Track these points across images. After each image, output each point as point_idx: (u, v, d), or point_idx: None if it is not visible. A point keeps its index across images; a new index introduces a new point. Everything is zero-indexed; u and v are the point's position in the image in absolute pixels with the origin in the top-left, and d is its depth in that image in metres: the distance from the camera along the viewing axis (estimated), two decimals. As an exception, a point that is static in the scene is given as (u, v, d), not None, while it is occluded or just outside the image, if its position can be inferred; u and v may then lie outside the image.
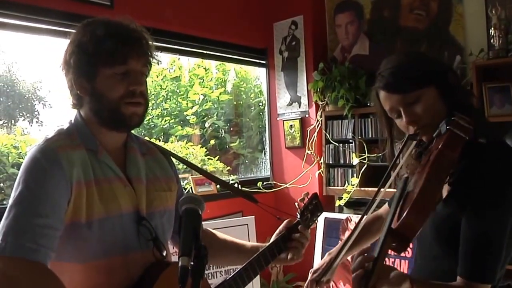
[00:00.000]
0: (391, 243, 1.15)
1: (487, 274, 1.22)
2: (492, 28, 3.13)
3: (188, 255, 1.05)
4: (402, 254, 3.07)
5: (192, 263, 1.05)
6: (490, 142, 1.28)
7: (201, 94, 4.65)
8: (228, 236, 1.81)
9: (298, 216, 1.76)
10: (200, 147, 4.15)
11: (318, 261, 3.68)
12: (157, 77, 4.71)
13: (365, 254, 1.17)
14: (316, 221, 1.85)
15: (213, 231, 1.81)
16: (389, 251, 1.22)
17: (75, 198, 1.30)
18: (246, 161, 4.66)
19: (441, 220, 1.34)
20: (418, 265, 1.56)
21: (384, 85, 1.38)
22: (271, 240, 1.72)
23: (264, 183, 4.14)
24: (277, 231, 1.75)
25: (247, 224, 3.42)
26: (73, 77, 1.38)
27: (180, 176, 3.73)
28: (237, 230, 3.35)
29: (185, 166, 3.47)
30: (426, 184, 1.13)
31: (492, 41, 3.15)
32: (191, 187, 3.56)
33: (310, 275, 1.77)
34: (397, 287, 1.15)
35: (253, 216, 3.43)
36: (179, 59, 4.55)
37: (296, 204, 1.80)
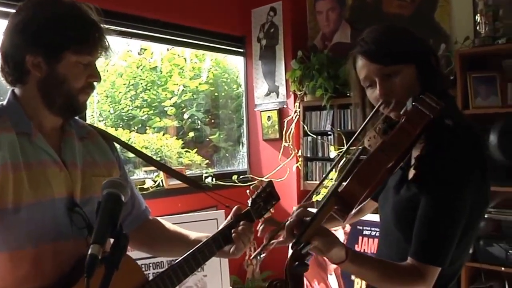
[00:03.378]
0: (333, 205, 1.13)
1: (438, 256, 1.19)
2: (479, 15, 3.01)
3: (100, 243, 0.98)
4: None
5: (107, 252, 0.99)
6: (457, 124, 1.25)
7: (181, 85, 4.51)
8: (177, 227, 1.70)
9: (249, 204, 1.62)
10: (177, 139, 4.05)
11: None
12: (137, 67, 4.55)
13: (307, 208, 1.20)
14: (270, 211, 1.69)
15: (163, 221, 1.71)
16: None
17: (0, 183, 1.24)
18: (227, 155, 4.56)
19: (402, 204, 1.32)
20: (379, 249, 1.53)
21: (365, 52, 1.34)
22: (219, 228, 1.60)
23: (241, 176, 4.02)
24: (227, 219, 1.63)
25: (217, 219, 3.30)
26: (27, 51, 1.29)
27: (150, 168, 3.69)
28: (205, 224, 3.25)
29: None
30: (376, 152, 1.13)
31: (478, 28, 3.03)
32: (161, 180, 3.45)
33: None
34: (330, 250, 1.15)
35: (223, 211, 3.29)
36: (152, 53, 4.37)
37: (247, 191, 1.66)
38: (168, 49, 4.38)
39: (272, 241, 1.45)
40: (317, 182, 3.66)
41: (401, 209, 1.31)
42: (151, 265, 2.98)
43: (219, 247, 1.54)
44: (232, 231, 1.55)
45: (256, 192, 1.64)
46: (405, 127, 1.17)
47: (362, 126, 1.36)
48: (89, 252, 0.96)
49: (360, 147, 1.29)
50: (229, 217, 1.61)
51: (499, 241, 2.75)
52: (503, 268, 2.73)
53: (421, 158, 1.24)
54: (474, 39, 3.06)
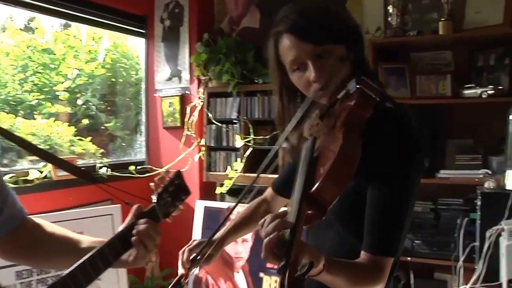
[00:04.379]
0: (306, 210, 0.98)
1: (392, 247, 1.15)
2: (391, 6, 3.03)
3: None
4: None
5: None
6: (397, 107, 1.20)
7: (75, 69, 4.13)
8: (65, 230, 1.37)
9: (154, 200, 1.34)
10: (69, 126, 3.70)
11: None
12: (28, 47, 4.12)
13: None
14: (180, 207, 1.41)
15: (46, 223, 1.37)
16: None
17: None
18: (124, 144, 4.29)
19: (346, 194, 1.13)
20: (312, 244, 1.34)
21: (295, 29, 1.20)
22: (118, 231, 1.28)
23: (138, 167, 3.73)
24: (126, 220, 1.32)
25: (112, 214, 2.99)
26: None
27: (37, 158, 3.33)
28: (100, 221, 2.92)
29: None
30: (345, 143, 1.01)
31: (390, 19, 3.05)
32: (49, 171, 3.11)
33: (180, 256, 1.48)
34: (318, 265, 1.00)
35: (119, 205, 3.00)
36: (44, 32, 3.96)
37: (151, 184, 1.37)
38: (62, 28, 4.01)
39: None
40: (221, 173, 3.55)
41: (345, 200, 1.13)
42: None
43: (116, 255, 1.25)
44: (133, 233, 1.26)
45: (162, 186, 1.37)
46: (357, 111, 1.07)
47: (301, 114, 1.19)
48: None
49: (312, 137, 1.15)
50: (128, 218, 1.31)
51: (405, 231, 2.74)
52: (409, 258, 2.78)
53: (366, 145, 1.09)
54: (385, 30, 3.10)
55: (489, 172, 2.64)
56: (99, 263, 1.20)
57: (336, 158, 0.98)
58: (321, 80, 1.18)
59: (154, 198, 1.34)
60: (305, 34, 1.19)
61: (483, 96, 2.73)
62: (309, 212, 0.98)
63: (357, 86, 1.09)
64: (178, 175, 1.42)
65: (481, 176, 2.63)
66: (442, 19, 2.85)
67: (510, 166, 2.34)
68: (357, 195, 1.19)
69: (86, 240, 1.33)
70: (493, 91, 2.71)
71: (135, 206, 1.31)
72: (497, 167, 2.69)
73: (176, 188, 1.39)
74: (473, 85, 2.81)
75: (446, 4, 2.84)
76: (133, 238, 1.25)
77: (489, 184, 2.31)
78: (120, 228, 1.28)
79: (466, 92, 2.80)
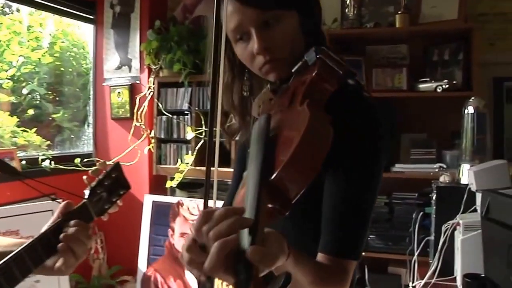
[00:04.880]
0: (267, 203, 0.73)
1: (356, 249, 0.98)
2: None
3: None
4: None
5: None
6: (360, 85, 1.01)
7: (20, 56, 3.93)
8: None
9: (86, 196, 1.18)
10: (10, 116, 3.53)
11: (144, 252, 3.41)
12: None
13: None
14: (118, 204, 1.25)
15: None
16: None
17: None
18: (72, 136, 4.12)
19: None
20: None
21: None
22: (40, 232, 1.11)
23: (85, 159, 3.58)
24: (51, 219, 1.15)
25: (52, 210, 2.81)
26: None
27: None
28: (38, 217, 2.75)
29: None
30: (312, 117, 0.77)
31: (347, 11, 3.03)
32: None
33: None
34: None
35: (60, 200, 2.79)
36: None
37: (84, 178, 1.21)
38: (5, 14, 3.79)
39: None
40: (171, 166, 3.44)
41: None
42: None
43: (37, 262, 1.07)
44: (60, 238, 1.09)
45: (97, 179, 1.21)
46: (319, 83, 0.89)
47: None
48: None
49: (265, 114, 0.90)
50: (54, 217, 1.15)
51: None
52: (363, 253, 2.69)
53: None
54: (342, 21, 3.05)
55: (444, 166, 2.63)
56: (15, 271, 1.03)
57: (302, 136, 0.75)
58: (266, 52, 1.01)
59: (86, 193, 1.18)
60: None
61: (438, 90, 2.73)
62: (270, 206, 0.76)
63: (317, 56, 0.93)
64: (116, 167, 1.26)
65: (436, 170, 2.62)
66: (399, 12, 2.85)
67: (465, 160, 2.33)
68: (312, 189, 0.82)
69: (4, 241, 1.17)
70: (447, 86, 2.72)
71: (62, 203, 1.16)
72: (451, 161, 2.70)
73: (113, 182, 1.24)
74: (428, 79, 2.82)
75: (403, -2, 2.84)
76: (59, 244, 1.08)
77: (444, 178, 2.29)
78: (44, 228, 1.11)
79: (422, 86, 2.80)
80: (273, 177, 0.74)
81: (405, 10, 2.84)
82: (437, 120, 2.95)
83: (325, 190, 0.98)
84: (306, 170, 0.76)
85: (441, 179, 2.32)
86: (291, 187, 0.75)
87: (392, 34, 2.98)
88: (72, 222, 1.11)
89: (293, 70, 0.99)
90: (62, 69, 4.12)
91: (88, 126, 3.99)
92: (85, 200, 1.16)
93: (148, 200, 3.35)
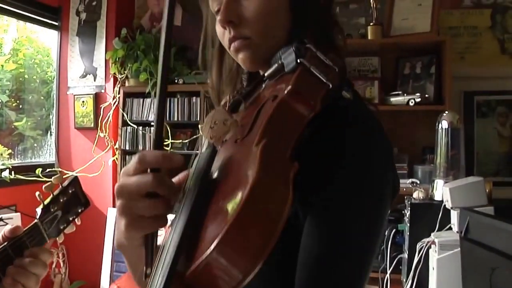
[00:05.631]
0: None
1: None
2: None
3: None
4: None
5: None
6: (357, 98, 0.75)
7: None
8: None
9: (38, 216, 1.05)
10: None
11: (107, 268, 3.28)
12: None
13: None
14: (76, 222, 1.13)
15: None
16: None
17: None
18: (35, 145, 4.02)
19: None
20: None
21: None
22: None
23: (47, 170, 3.50)
24: None
25: (12, 218, 2.69)
26: None
27: None
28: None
29: None
30: (261, 177, 0.50)
31: None
32: None
33: None
34: None
35: (18, 214, 2.76)
36: None
37: (37, 194, 1.07)
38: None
39: None
40: None
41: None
42: None
43: None
44: (7, 271, 0.96)
45: (51, 195, 1.08)
46: (292, 110, 0.60)
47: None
48: None
49: (210, 145, 0.69)
50: None
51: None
52: None
53: (306, 155, 0.64)
54: None
55: (417, 181, 2.57)
56: None
57: (244, 203, 0.49)
58: (230, 25, 0.77)
59: (38, 212, 1.05)
60: None
61: (410, 103, 2.70)
62: None
63: (297, 60, 0.65)
64: (74, 182, 1.14)
65: (409, 186, 2.56)
66: (371, 24, 2.83)
67: (438, 175, 2.27)
68: (287, 227, 0.54)
69: None
70: (419, 99, 2.69)
71: (7, 228, 1.01)
72: (423, 177, 2.65)
73: (70, 199, 1.11)
74: (399, 92, 2.78)
75: (375, 10, 2.81)
76: (5, 279, 0.95)
77: (418, 195, 2.23)
78: None
79: (393, 99, 2.77)
80: (187, 272, 0.52)
81: (377, 22, 2.81)
82: (408, 134, 2.91)
83: (304, 229, 0.69)
84: (244, 258, 0.49)
85: (415, 195, 2.26)
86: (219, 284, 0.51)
87: (364, 46, 2.95)
88: (26, 252, 0.99)
89: (265, 75, 0.73)
90: (26, 76, 4.03)
91: (51, 135, 3.90)
92: (36, 221, 1.04)
93: (112, 214, 3.25)
